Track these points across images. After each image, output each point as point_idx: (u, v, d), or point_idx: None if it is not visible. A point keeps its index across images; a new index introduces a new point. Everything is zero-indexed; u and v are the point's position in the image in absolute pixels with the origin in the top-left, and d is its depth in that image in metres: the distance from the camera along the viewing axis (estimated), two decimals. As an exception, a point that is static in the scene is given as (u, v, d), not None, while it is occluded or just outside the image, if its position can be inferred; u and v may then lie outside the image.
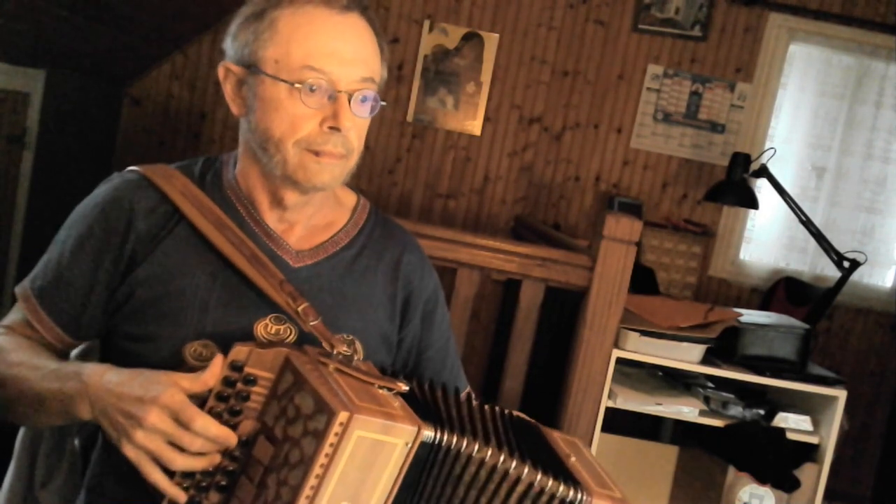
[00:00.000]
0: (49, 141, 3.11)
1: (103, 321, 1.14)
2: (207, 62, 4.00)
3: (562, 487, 0.99)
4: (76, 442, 1.24)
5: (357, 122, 1.11)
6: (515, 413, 1.13)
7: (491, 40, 4.04)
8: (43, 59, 2.97)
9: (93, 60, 3.41)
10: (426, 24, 4.01)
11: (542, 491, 0.99)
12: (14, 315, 1.17)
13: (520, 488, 0.98)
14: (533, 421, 1.14)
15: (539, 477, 0.98)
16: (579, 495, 1.00)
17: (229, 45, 1.14)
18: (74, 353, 1.21)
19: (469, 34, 4.03)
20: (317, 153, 1.09)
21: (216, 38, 3.98)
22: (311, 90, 1.07)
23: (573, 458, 1.06)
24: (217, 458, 0.96)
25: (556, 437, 1.11)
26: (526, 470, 0.98)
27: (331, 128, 1.08)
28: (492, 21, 4.04)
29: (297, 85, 1.06)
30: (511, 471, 0.98)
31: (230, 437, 0.95)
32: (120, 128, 3.97)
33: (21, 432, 1.26)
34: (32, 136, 3.00)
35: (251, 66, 1.10)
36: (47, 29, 2.81)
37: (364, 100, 1.11)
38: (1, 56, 2.74)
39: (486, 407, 1.09)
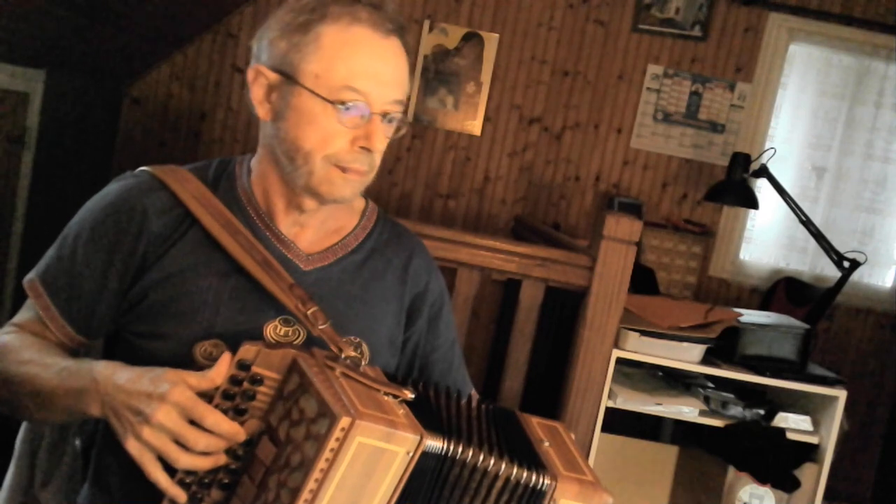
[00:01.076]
0: (49, 141, 3.11)
1: (113, 321, 1.15)
2: (207, 62, 4.00)
3: (534, 476, 1.00)
4: (76, 442, 1.24)
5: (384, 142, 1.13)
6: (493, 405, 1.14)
7: (491, 40, 4.04)
8: (43, 59, 2.97)
9: (93, 60, 3.41)
10: (426, 24, 4.01)
11: (517, 484, 0.99)
12: (25, 313, 1.18)
13: (498, 484, 0.99)
14: (511, 410, 1.14)
15: (514, 471, 0.99)
16: (545, 480, 1.00)
17: (264, 49, 1.13)
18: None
19: (469, 34, 4.03)
20: (344, 169, 1.11)
21: (216, 38, 3.98)
22: (348, 109, 1.08)
23: (546, 444, 1.07)
24: (221, 459, 0.96)
25: (535, 424, 1.11)
26: (503, 465, 0.99)
27: (362, 147, 1.10)
28: (492, 21, 4.04)
29: (337, 105, 1.08)
30: (490, 468, 0.98)
31: (240, 434, 0.95)
32: (120, 128, 3.98)
33: (21, 432, 1.27)
34: (32, 136, 3.00)
35: (288, 76, 1.10)
36: (47, 29, 2.81)
37: (391, 120, 1.13)
38: (1, 56, 2.74)
39: (477, 406, 1.09)
